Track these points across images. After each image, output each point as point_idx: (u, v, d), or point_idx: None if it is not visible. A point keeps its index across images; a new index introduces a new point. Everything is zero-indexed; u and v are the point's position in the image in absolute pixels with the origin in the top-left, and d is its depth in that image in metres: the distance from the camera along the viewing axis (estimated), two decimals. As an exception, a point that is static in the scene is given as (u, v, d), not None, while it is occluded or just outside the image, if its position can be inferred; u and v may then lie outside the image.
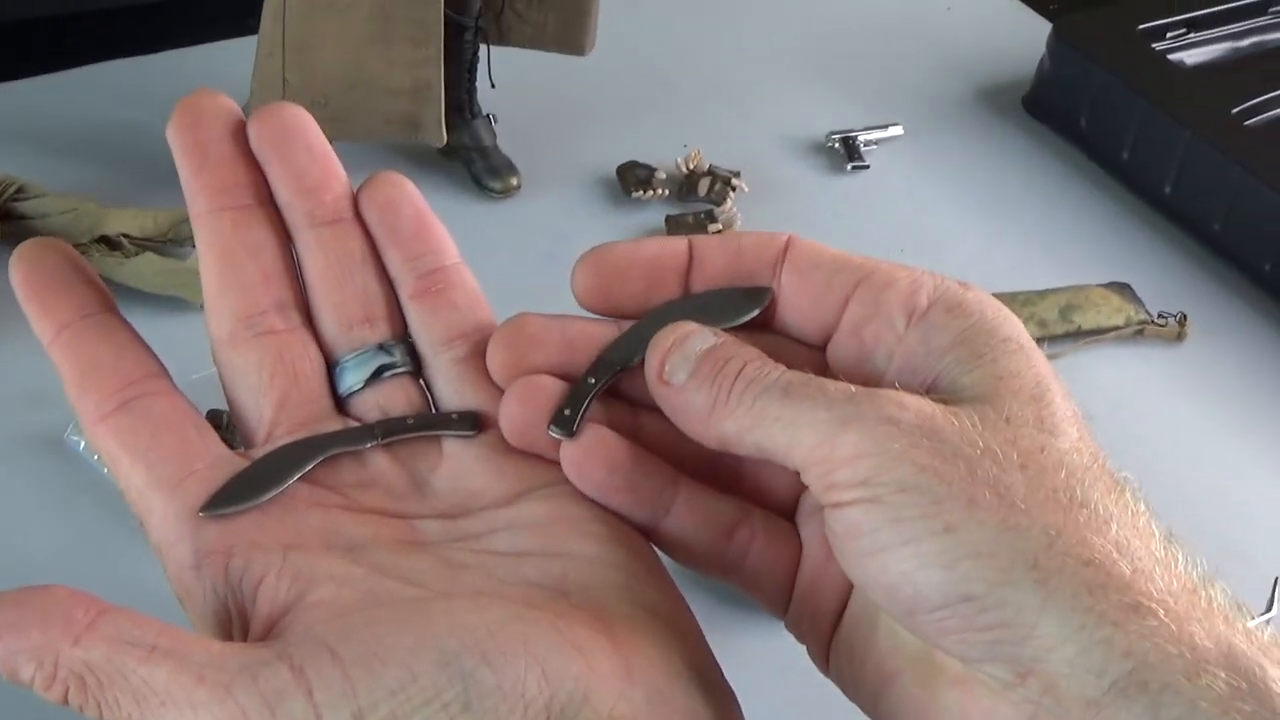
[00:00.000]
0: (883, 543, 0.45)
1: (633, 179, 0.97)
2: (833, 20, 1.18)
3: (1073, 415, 0.47)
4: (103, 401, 0.46)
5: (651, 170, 0.97)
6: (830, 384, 0.46)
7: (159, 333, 0.85)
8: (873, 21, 1.18)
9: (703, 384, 0.48)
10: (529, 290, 0.90)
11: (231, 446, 0.78)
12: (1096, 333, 0.90)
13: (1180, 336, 0.92)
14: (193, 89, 1.03)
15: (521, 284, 0.90)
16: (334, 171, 0.51)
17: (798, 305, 0.50)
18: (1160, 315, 0.92)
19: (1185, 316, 0.92)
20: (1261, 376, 0.91)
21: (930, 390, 0.47)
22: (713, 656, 0.47)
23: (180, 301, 0.85)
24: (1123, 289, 0.93)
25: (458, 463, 0.49)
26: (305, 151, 0.51)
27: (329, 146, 0.51)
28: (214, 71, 1.03)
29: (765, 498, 0.50)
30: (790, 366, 0.48)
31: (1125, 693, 0.42)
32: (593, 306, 0.51)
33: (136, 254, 0.86)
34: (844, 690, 0.49)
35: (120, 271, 0.86)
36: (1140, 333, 0.92)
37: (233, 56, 1.00)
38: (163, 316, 0.85)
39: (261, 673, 0.41)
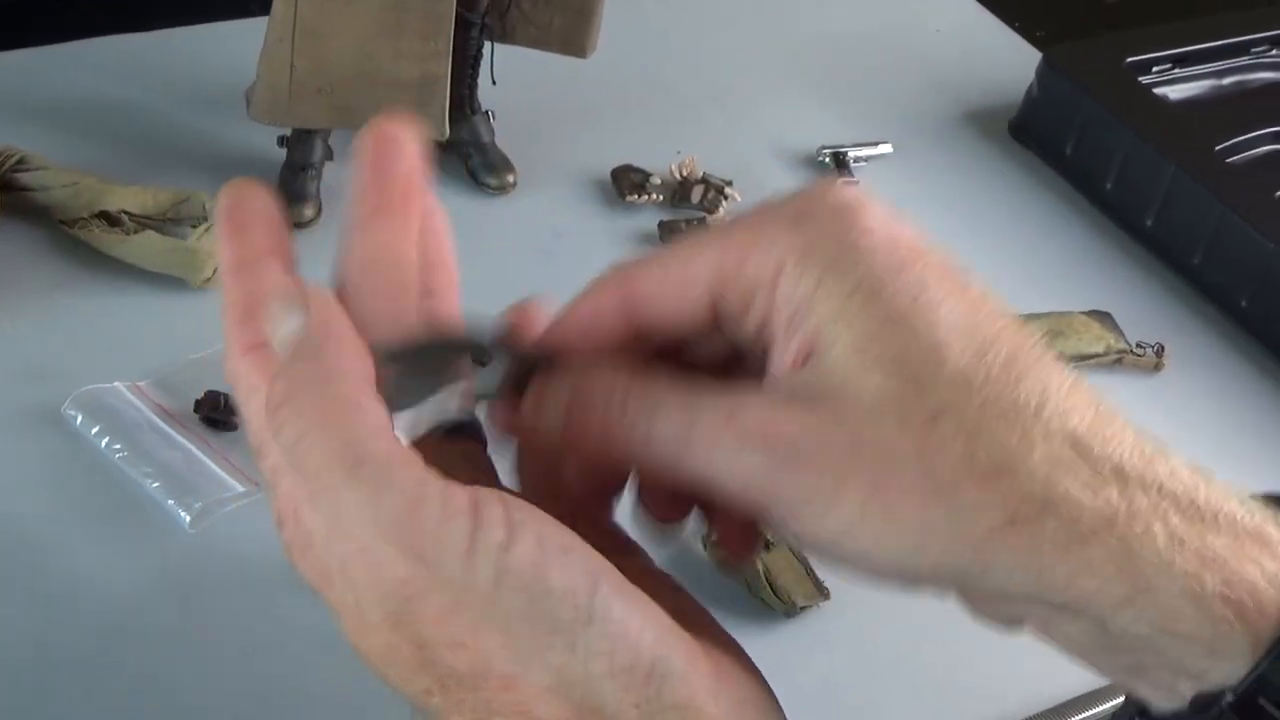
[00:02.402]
0: (835, 554, 0.46)
1: (627, 183, 0.98)
2: (828, 36, 1.19)
3: (950, 328, 0.45)
4: (255, 333, 0.47)
5: (646, 175, 0.98)
6: (711, 414, 0.47)
7: (158, 311, 0.87)
8: (866, 40, 1.19)
9: (581, 435, 0.48)
10: (522, 285, 0.91)
11: (229, 429, 0.79)
12: (1077, 359, 0.92)
13: (1158, 366, 0.94)
14: (197, 67, 1.04)
15: (515, 279, 0.91)
16: None
17: (674, 319, 0.49)
18: (1139, 345, 0.94)
19: (1163, 347, 0.94)
20: (1235, 408, 0.93)
21: (815, 356, 0.46)
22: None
23: (179, 281, 0.86)
24: (1104, 317, 0.95)
25: None
26: None
27: None
28: (218, 51, 1.03)
29: None
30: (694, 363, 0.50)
31: (1075, 608, 0.44)
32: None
33: (137, 231, 0.87)
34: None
35: (120, 248, 0.86)
36: (1119, 361, 0.93)
37: (238, 37, 1.00)
38: (162, 295, 0.86)
39: (445, 491, 0.43)
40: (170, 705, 0.68)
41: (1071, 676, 0.61)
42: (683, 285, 0.49)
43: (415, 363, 0.49)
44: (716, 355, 0.50)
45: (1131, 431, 0.47)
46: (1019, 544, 0.44)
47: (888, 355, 0.45)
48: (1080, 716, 0.74)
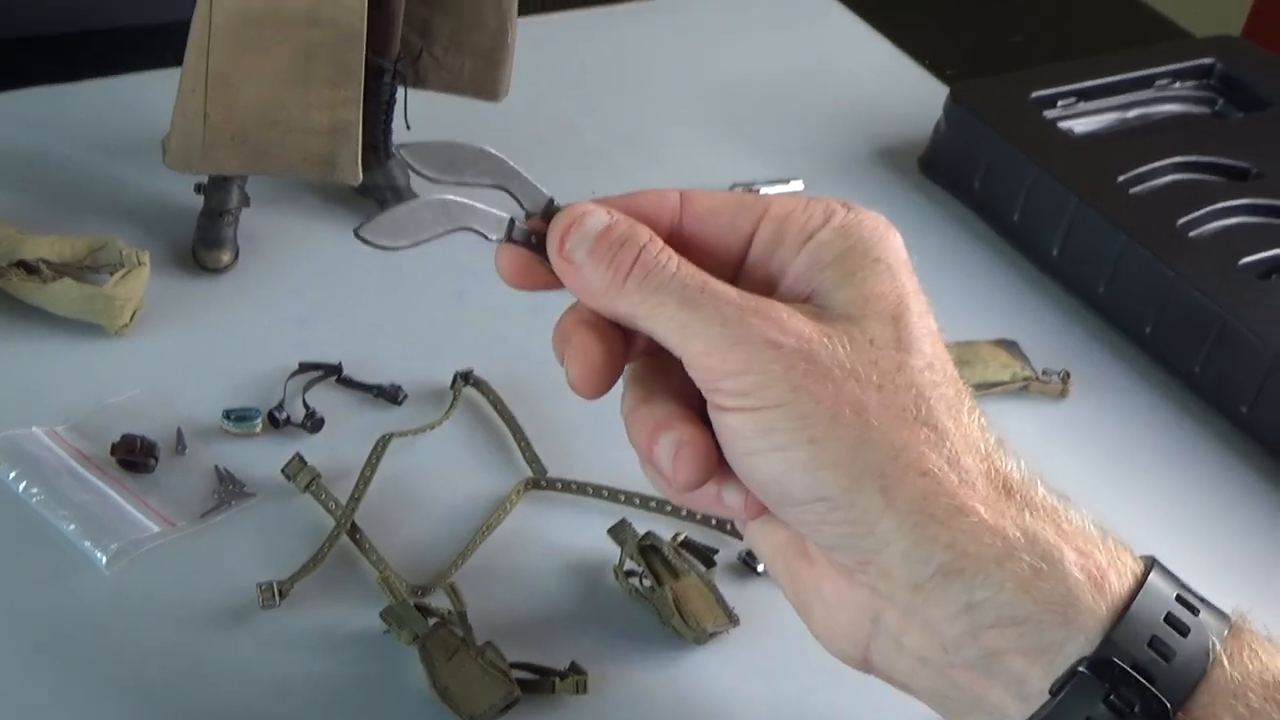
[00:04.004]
0: (757, 447, 0.54)
1: (541, 223, 0.99)
2: (739, 77, 1.21)
3: (928, 331, 0.56)
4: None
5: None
6: (723, 294, 0.55)
7: (75, 357, 0.88)
8: (777, 79, 1.21)
9: (599, 263, 0.56)
10: (440, 326, 0.93)
11: (145, 470, 0.80)
12: (984, 387, 0.93)
13: (1063, 393, 0.96)
14: (110, 118, 1.05)
15: (432, 321, 0.93)
16: None
17: (706, 249, 0.57)
18: (1045, 372, 0.96)
19: (1068, 374, 0.96)
20: (1139, 433, 0.95)
21: (810, 300, 0.56)
22: None
23: (96, 328, 0.87)
24: (1010, 346, 0.97)
25: None
26: None
27: None
28: (131, 102, 1.04)
29: None
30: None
31: (946, 577, 0.52)
32: (515, 284, 0.61)
33: (55, 279, 0.88)
34: (759, 552, 0.61)
35: (38, 296, 0.87)
36: (1025, 388, 0.95)
37: (150, 88, 1.02)
38: (79, 342, 0.87)
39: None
40: (86, 743, 0.69)
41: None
42: (737, 211, 0.58)
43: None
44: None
45: (1019, 461, 0.56)
46: (921, 490, 0.53)
47: (888, 314, 0.55)
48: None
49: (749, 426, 0.54)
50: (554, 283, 0.59)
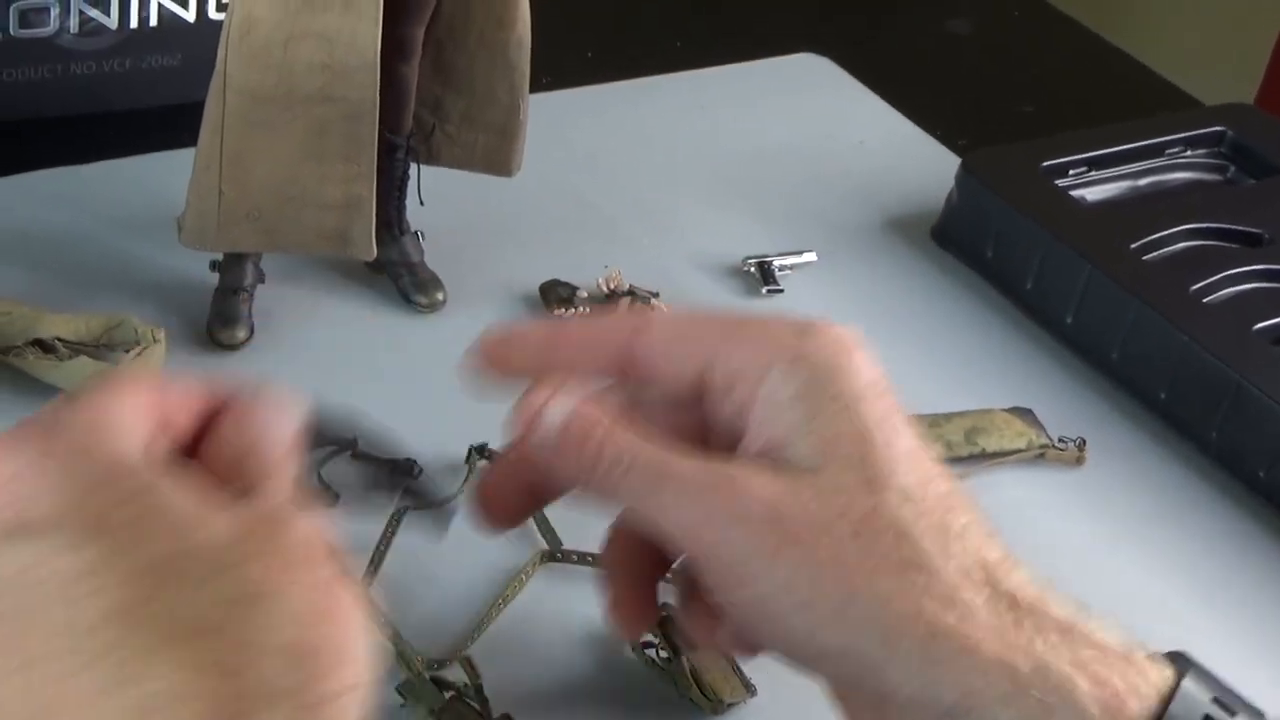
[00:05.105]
0: (752, 618, 0.55)
1: (555, 297, 1.00)
2: (748, 149, 1.22)
3: (903, 454, 0.55)
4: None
5: (573, 289, 1.00)
6: (682, 473, 0.55)
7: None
8: (788, 151, 1.22)
9: (568, 457, 0.56)
10: (452, 403, 0.93)
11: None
12: (1000, 455, 0.93)
13: (1079, 460, 0.96)
14: (126, 198, 1.06)
15: (445, 398, 0.93)
16: None
17: (663, 377, 0.58)
18: (1060, 440, 0.96)
19: (1084, 441, 0.96)
20: (1156, 499, 0.94)
21: (777, 449, 0.55)
22: None
23: (112, 405, 0.87)
24: (1025, 414, 0.96)
25: None
26: None
27: None
28: (147, 182, 1.05)
29: None
30: (668, 423, 0.57)
31: (957, 716, 0.52)
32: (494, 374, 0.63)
33: (70, 358, 0.88)
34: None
35: (54, 374, 0.87)
36: (1042, 456, 0.95)
37: (165, 168, 1.02)
38: (94, 419, 0.87)
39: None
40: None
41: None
42: (682, 348, 0.58)
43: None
44: (684, 427, 0.58)
45: (1030, 577, 0.55)
46: (920, 636, 0.52)
47: (853, 456, 0.54)
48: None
49: (741, 602, 0.55)
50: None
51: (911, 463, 0.55)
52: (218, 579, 0.43)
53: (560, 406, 0.58)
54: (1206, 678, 0.54)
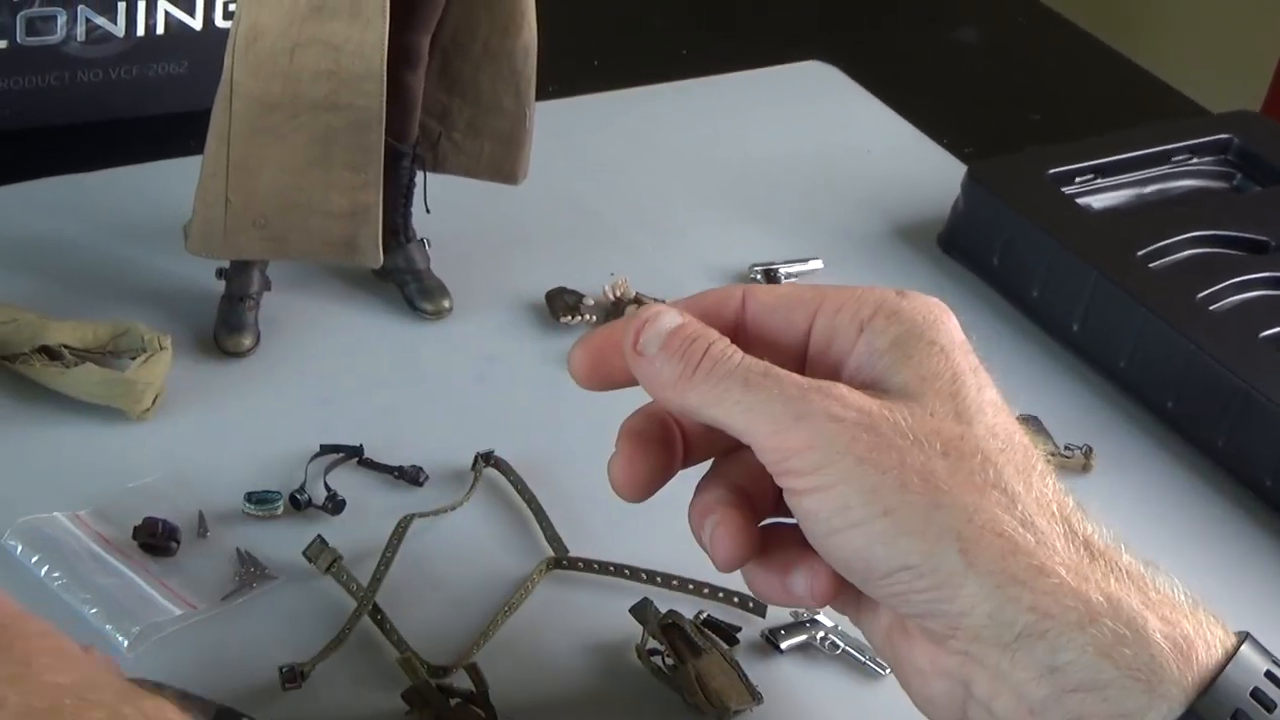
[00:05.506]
0: (835, 525, 0.55)
1: (561, 304, 1.00)
2: (754, 157, 1.22)
3: (989, 402, 0.58)
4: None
5: (579, 296, 1.00)
6: (785, 377, 0.57)
7: (97, 442, 0.88)
8: (794, 159, 1.22)
9: (671, 356, 0.58)
10: (460, 408, 0.94)
11: (167, 554, 0.80)
12: (1006, 462, 0.93)
13: (1086, 468, 0.95)
14: (133, 206, 1.06)
15: (452, 403, 0.93)
16: None
17: (768, 344, 0.59)
18: (1067, 447, 0.96)
19: (1091, 449, 0.96)
20: (1163, 507, 0.94)
21: (872, 386, 0.58)
22: None
23: (118, 412, 0.87)
24: (1032, 422, 0.96)
25: None
26: None
27: None
28: (154, 190, 1.05)
29: None
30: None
31: (1030, 639, 0.52)
32: (587, 384, 0.63)
33: (77, 364, 0.88)
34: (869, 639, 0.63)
35: (59, 381, 0.87)
36: (1049, 463, 0.95)
37: (170, 176, 1.02)
38: (101, 426, 0.87)
39: None
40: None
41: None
42: (787, 310, 0.61)
43: None
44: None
45: (1101, 526, 0.58)
46: (1000, 550, 0.53)
47: (945, 392, 0.57)
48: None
49: (823, 507, 0.56)
50: (625, 379, 0.62)
51: (997, 411, 0.58)
52: None
53: (674, 314, 0.60)
54: (1263, 651, 0.56)
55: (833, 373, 0.60)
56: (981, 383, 0.59)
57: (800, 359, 0.61)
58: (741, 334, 0.62)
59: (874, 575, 0.56)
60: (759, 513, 0.62)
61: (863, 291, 0.61)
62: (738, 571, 0.64)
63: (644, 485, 0.63)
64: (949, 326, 0.60)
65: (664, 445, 0.63)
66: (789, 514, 0.60)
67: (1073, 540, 0.55)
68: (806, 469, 0.56)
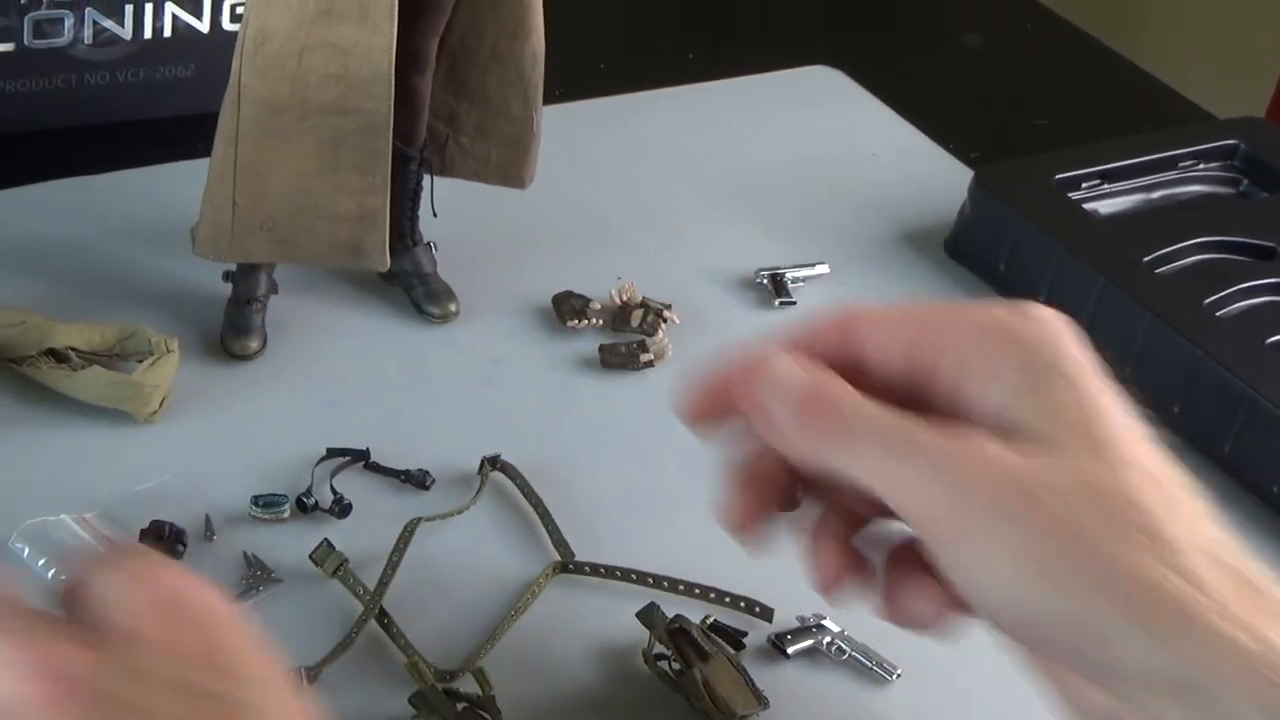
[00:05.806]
0: (985, 582, 0.54)
1: (567, 308, 1.00)
2: (761, 161, 1.22)
3: (1123, 428, 0.56)
4: None
5: (586, 301, 1.00)
6: (926, 438, 0.55)
7: (104, 445, 0.88)
8: (800, 163, 1.22)
9: (798, 415, 0.55)
10: (466, 412, 0.94)
11: (174, 556, 0.80)
12: (1012, 468, 0.93)
13: (1092, 474, 0.95)
14: (140, 209, 1.06)
15: (459, 407, 0.93)
16: None
17: (872, 365, 0.58)
18: (1073, 453, 0.95)
19: (1097, 454, 0.95)
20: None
21: (1002, 428, 0.55)
22: None
23: (125, 415, 0.87)
24: (1037, 427, 0.96)
25: None
26: None
27: None
28: (161, 193, 1.05)
29: None
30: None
31: (1181, 685, 0.52)
32: (700, 432, 0.60)
33: (84, 367, 0.88)
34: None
35: (66, 384, 0.88)
36: (1054, 469, 0.95)
37: (178, 179, 1.02)
38: (108, 429, 0.87)
39: None
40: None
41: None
42: (892, 336, 0.58)
43: None
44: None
45: (1252, 561, 0.55)
46: (1144, 596, 0.52)
47: (1079, 424, 0.55)
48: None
49: (973, 563, 0.55)
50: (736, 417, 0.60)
51: (1132, 435, 0.56)
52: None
53: (788, 368, 0.57)
54: None
55: (953, 403, 0.57)
56: (1111, 407, 0.56)
57: (913, 382, 0.58)
58: (849, 359, 0.59)
59: (1021, 626, 0.55)
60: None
61: (971, 315, 0.58)
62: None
63: (763, 528, 0.61)
64: (1072, 349, 0.57)
65: (777, 487, 0.61)
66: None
67: (1222, 581, 0.53)
68: (953, 532, 0.54)
